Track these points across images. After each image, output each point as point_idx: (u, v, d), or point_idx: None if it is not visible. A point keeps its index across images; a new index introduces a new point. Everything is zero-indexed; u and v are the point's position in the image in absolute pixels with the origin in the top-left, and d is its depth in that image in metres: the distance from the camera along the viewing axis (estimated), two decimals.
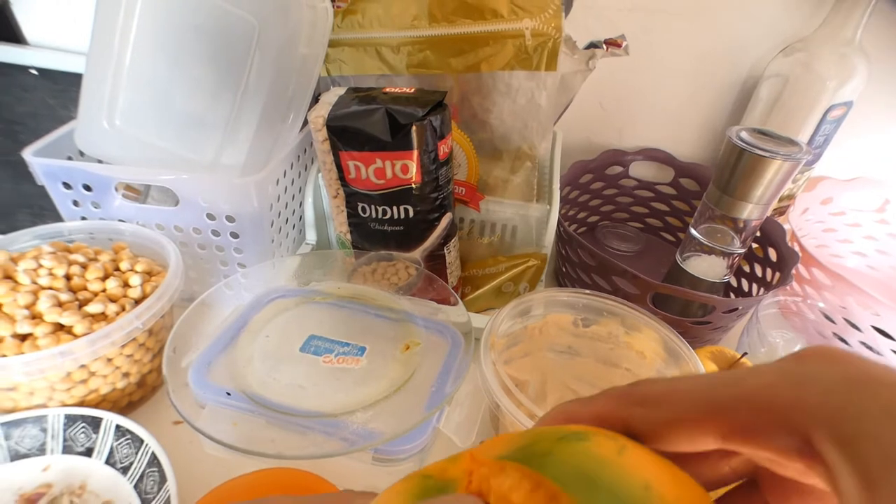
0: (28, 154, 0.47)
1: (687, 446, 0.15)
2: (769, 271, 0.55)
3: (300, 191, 0.57)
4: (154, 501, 0.35)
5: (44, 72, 0.69)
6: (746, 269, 0.58)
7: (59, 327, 0.38)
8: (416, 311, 0.46)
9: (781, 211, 0.66)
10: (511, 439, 0.15)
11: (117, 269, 0.44)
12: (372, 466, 0.37)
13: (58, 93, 0.69)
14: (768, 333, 0.50)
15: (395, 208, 0.47)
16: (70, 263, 0.42)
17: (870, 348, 0.51)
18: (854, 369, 0.13)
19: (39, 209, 0.71)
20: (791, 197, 0.66)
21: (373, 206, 0.48)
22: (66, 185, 0.48)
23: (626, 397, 0.16)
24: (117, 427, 0.38)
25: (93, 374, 0.39)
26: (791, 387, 0.13)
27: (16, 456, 0.38)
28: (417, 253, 0.49)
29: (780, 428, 0.13)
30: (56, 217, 0.50)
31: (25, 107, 0.70)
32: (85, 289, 0.42)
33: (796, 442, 0.13)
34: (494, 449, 0.15)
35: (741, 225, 0.48)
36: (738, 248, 0.49)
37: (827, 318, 0.54)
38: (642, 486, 0.12)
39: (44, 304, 0.38)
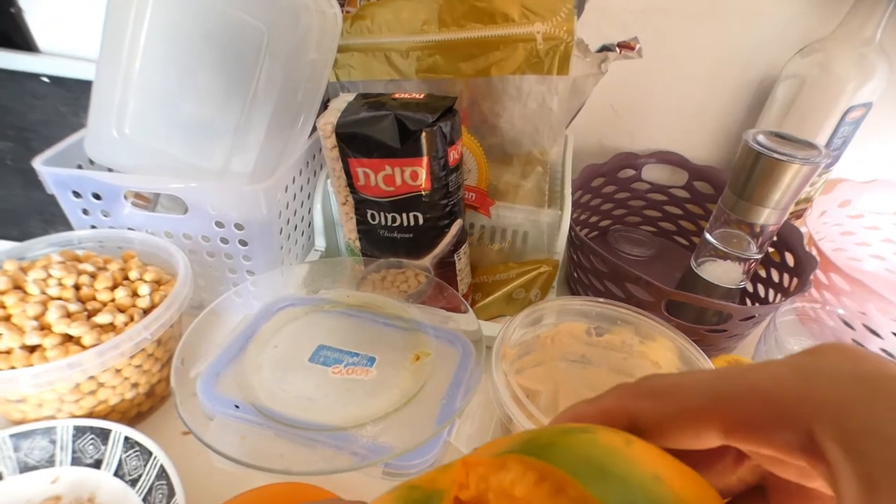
0: (38, 164, 0.47)
1: (691, 442, 0.14)
2: (786, 276, 0.54)
3: (309, 197, 0.57)
4: None
5: (55, 79, 0.69)
6: (763, 274, 0.57)
7: (68, 338, 0.38)
8: (426, 320, 0.46)
9: (798, 214, 0.65)
10: (508, 440, 0.15)
11: (126, 278, 0.44)
12: (382, 480, 0.36)
13: (70, 100, 0.70)
14: (786, 341, 0.48)
15: (404, 215, 0.47)
16: (79, 273, 0.42)
17: (891, 355, 0.50)
18: (868, 366, 0.12)
19: (51, 216, 0.71)
20: (808, 200, 0.64)
21: (382, 213, 0.47)
22: (76, 194, 0.48)
23: (635, 391, 0.16)
24: (126, 439, 0.38)
25: (101, 385, 0.39)
26: (799, 380, 0.13)
27: (25, 468, 0.38)
28: (427, 260, 0.49)
29: (782, 421, 0.12)
30: (67, 223, 0.50)
31: (37, 114, 0.70)
32: (94, 298, 0.41)
33: (799, 437, 0.12)
34: (490, 450, 0.14)
35: (758, 230, 0.46)
36: (754, 254, 0.48)
37: (846, 324, 0.53)
38: (652, 476, 0.12)
39: (53, 315, 0.38)
